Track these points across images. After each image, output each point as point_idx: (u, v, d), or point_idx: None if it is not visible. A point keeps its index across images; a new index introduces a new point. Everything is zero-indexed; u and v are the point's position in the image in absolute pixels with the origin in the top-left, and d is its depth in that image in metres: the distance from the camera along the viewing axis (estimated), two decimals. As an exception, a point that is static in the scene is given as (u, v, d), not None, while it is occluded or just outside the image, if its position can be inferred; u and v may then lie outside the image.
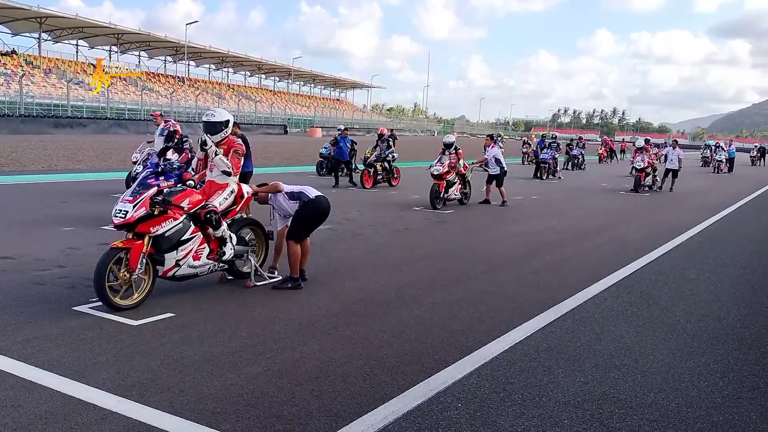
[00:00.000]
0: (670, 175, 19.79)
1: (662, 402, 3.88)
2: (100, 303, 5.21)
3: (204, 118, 6.19)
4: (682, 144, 34.13)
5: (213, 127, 6.09)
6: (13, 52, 54.04)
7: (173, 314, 5.24)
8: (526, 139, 37.20)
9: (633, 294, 6.57)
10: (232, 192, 6.15)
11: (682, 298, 6.50)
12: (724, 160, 32.71)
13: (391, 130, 27.40)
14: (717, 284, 7.20)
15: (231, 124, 6.23)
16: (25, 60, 54.26)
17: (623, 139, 52.92)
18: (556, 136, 26.12)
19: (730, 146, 34.45)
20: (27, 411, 3.45)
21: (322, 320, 5.27)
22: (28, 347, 4.38)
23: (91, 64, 60.25)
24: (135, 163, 12.33)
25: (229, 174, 6.06)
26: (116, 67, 54.83)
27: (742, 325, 5.60)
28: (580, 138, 34.48)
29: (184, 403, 3.61)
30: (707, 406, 3.86)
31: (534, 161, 24.73)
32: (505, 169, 14.58)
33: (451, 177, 13.36)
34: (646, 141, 20.64)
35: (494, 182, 14.45)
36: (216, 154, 5.96)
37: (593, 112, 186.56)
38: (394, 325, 5.22)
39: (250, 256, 6.40)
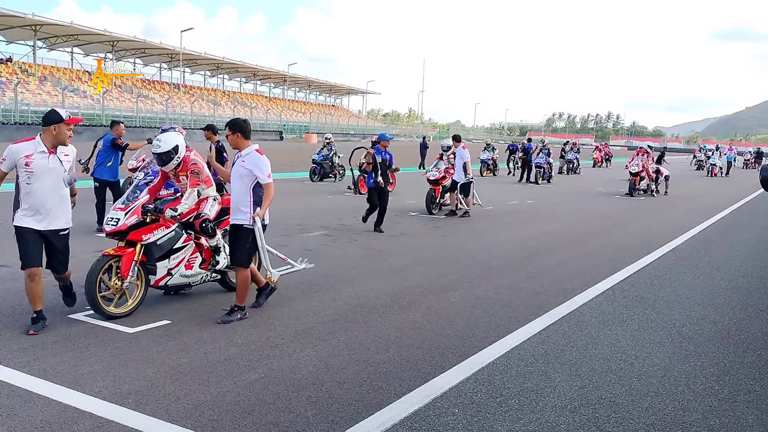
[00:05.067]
0: (663, 179, 19.92)
1: (658, 406, 3.89)
2: (95, 311, 5.20)
3: (152, 150, 5.79)
4: (678, 148, 34.55)
5: (162, 159, 5.70)
6: (9, 59, 53.92)
7: (169, 321, 5.24)
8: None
9: (628, 298, 6.59)
10: (215, 199, 6.13)
11: (677, 301, 6.52)
12: (717, 164, 32.91)
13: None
14: (712, 287, 7.22)
15: (182, 148, 5.78)
16: (20, 68, 54.15)
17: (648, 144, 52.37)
18: (531, 139, 26.59)
19: (730, 149, 35.39)
20: (23, 420, 3.44)
21: (318, 326, 5.27)
22: (23, 356, 4.37)
23: (86, 71, 60.19)
24: (131, 169, 12.33)
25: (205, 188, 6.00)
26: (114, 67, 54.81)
27: (738, 328, 5.62)
28: (575, 143, 34.58)
29: (180, 411, 3.61)
30: (703, 409, 3.87)
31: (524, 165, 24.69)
32: (470, 178, 12.82)
33: (446, 182, 13.38)
34: (649, 146, 21.14)
35: (457, 190, 12.84)
36: (179, 210, 5.56)
37: (587, 116, 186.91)
38: (390, 330, 5.23)
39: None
